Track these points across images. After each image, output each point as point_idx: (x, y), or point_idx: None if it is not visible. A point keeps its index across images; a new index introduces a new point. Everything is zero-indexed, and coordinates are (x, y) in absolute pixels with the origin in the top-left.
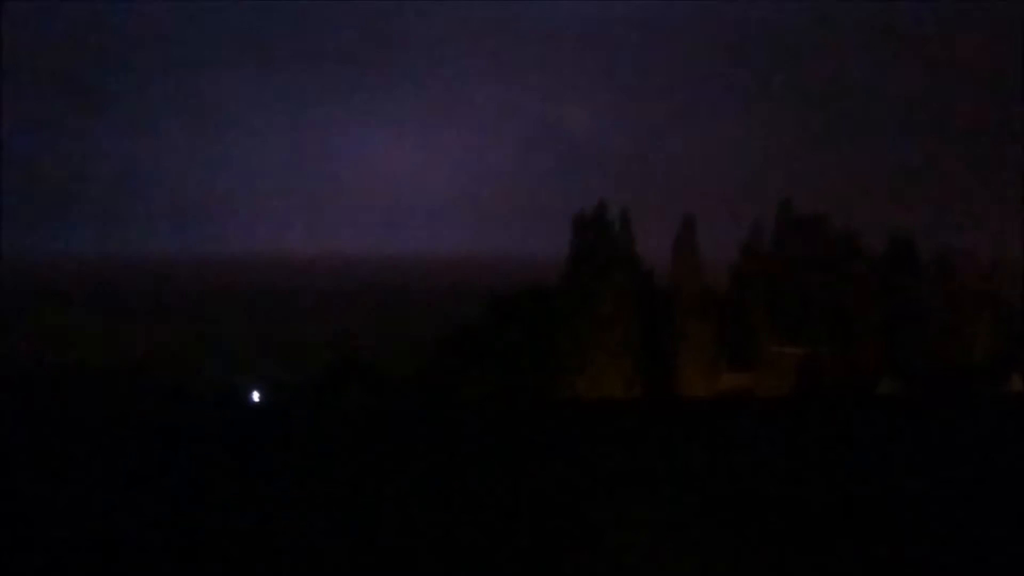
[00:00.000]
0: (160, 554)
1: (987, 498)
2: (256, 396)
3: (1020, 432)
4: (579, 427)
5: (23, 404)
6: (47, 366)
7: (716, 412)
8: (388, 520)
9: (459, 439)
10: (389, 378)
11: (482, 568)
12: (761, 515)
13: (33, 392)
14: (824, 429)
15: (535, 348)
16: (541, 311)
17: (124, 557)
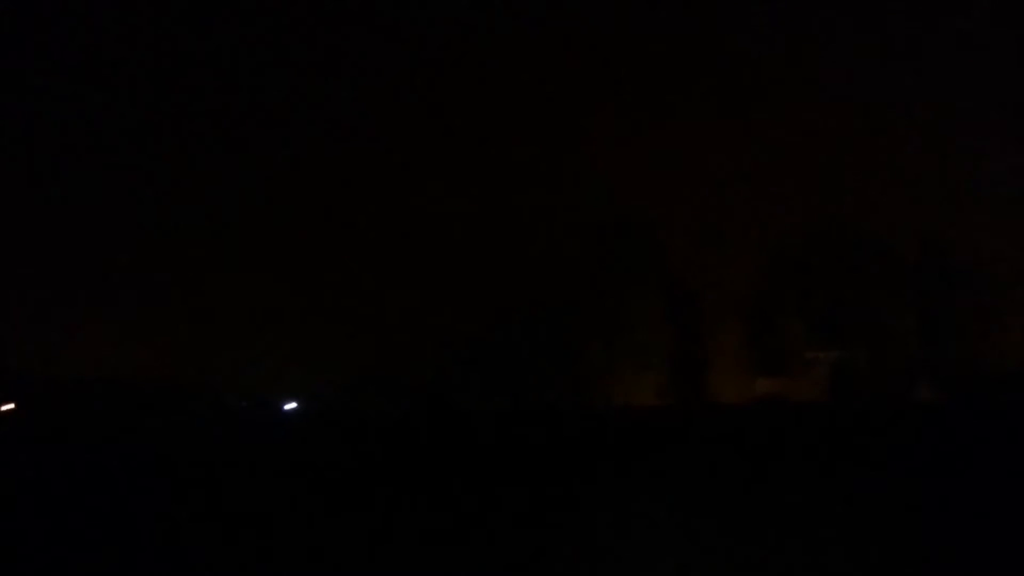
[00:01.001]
0: (181, 555)
1: (1020, 503)
2: (291, 405)
3: None
4: (613, 433)
5: (52, 412)
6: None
7: (750, 417)
8: (417, 524)
9: (492, 448)
10: (410, 384)
11: (506, 569)
12: (794, 518)
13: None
14: (858, 433)
15: (564, 357)
16: (569, 319)
17: (148, 559)
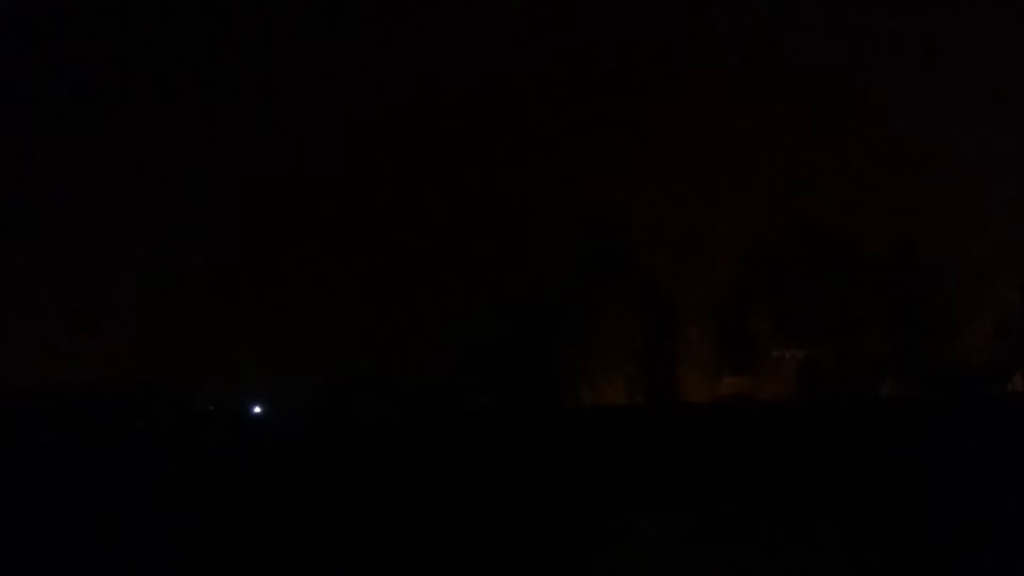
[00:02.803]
0: (166, 561)
1: (990, 497)
2: (258, 409)
3: (1022, 432)
4: (583, 433)
5: (28, 417)
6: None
7: (717, 415)
8: (396, 526)
9: (465, 446)
10: (394, 386)
11: (490, 570)
12: (761, 516)
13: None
14: (826, 431)
15: (537, 356)
16: (545, 320)
17: (132, 563)
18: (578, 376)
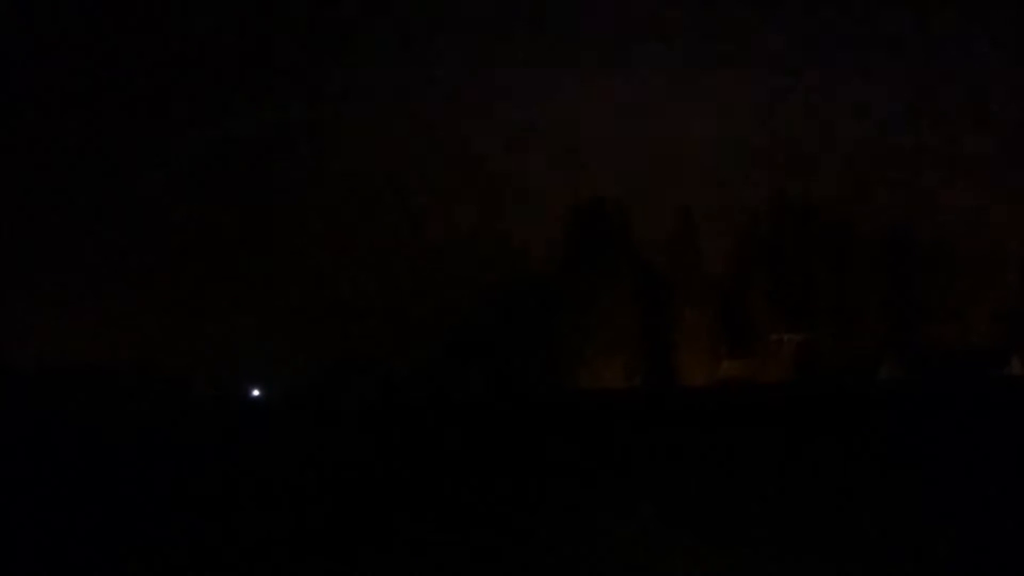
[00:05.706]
0: (162, 551)
1: (988, 481)
2: (256, 392)
3: (1020, 415)
4: (579, 418)
5: (25, 403)
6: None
7: (715, 399)
8: (394, 512)
9: (461, 432)
10: (390, 372)
11: (488, 558)
12: (758, 503)
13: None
14: (824, 415)
15: (535, 340)
16: (540, 303)
17: (127, 554)
18: (576, 360)
